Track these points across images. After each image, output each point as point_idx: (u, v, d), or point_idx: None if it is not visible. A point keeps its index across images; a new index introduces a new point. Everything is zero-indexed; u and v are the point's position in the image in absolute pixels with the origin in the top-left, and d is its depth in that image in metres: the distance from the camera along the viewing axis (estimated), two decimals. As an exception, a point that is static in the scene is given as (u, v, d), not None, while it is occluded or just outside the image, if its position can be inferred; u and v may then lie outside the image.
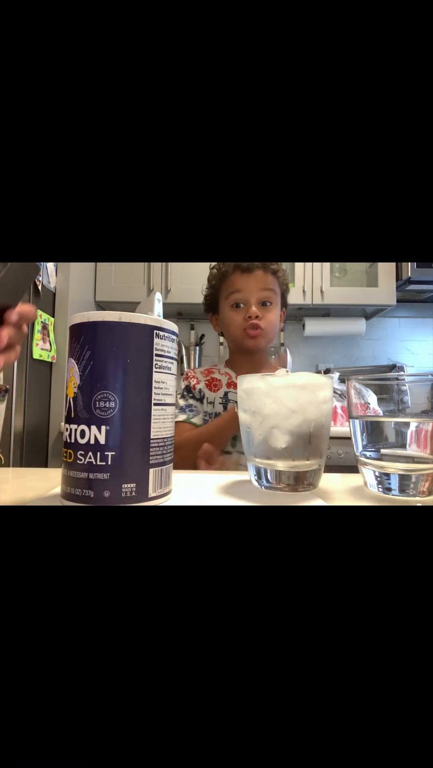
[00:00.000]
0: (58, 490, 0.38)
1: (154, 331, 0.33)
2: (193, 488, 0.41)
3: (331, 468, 0.45)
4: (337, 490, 0.41)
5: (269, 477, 0.40)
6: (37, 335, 1.36)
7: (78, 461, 0.31)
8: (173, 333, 0.36)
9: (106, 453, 0.31)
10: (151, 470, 0.33)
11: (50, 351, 1.47)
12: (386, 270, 1.88)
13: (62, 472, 0.33)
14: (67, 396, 0.33)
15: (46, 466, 1.50)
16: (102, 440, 0.31)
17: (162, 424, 0.34)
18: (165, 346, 0.34)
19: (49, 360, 1.47)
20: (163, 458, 0.34)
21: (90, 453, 0.31)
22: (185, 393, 0.89)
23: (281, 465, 0.39)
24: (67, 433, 0.33)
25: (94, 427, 0.31)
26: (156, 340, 0.33)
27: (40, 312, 1.38)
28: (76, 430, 0.32)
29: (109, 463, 0.31)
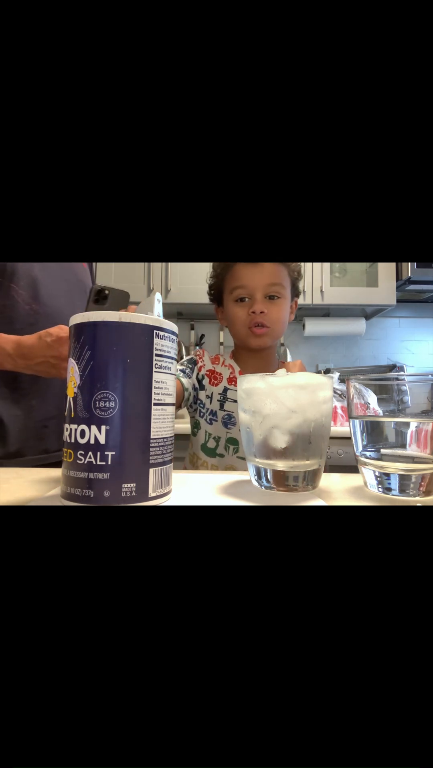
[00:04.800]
0: (58, 490, 0.38)
1: (154, 331, 0.33)
2: (193, 488, 0.41)
3: (331, 468, 0.45)
4: (337, 490, 0.41)
5: (268, 477, 0.40)
6: (37, 335, 1.36)
7: (78, 461, 0.31)
8: (173, 333, 0.36)
9: (106, 453, 0.31)
10: (151, 470, 0.33)
11: (50, 351, 1.46)
12: (386, 270, 1.88)
13: (62, 472, 0.33)
14: (67, 396, 0.33)
15: (46, 466, 1.50)
16: (102, 440, 0.31)
17: (162, 423, 0.34)
18: (165, 346, 0.34)
19: (49, 360, 1.46)
20: (164, 458, 0.34)
21: (90, 453, 0.31)
22: (187, 362, 0.82)
23: (281, 465, 0.39)
24: (67, 433, 0.33)
25: (94, 427, 0.31)
26: (156, 340, 0.33)
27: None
28: (76, 430, 0.32)
29: (109, 462, 0.31)
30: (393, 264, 1.89)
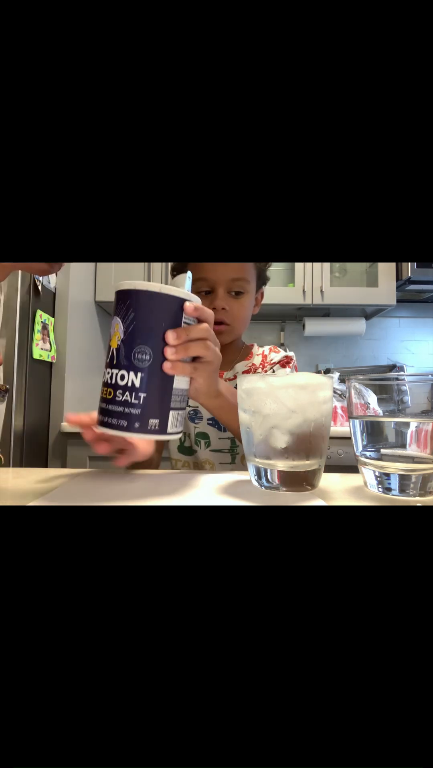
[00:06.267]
0: (57, 490, 0.39)
1: (184, 303, 0.40)
2: (193, 488, 0.41)
3: (331, 468, 0.45)
4: (337, 490, 0.41)
5: (268, 477, 0.40)
6: (37, 335, 1.36)
7: (117, 398, 0.39)
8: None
9: (139, 394, 0.38)
10: (171, 412, 0.40)
11: (50, 351, 1.47)
12: (386, 270, 1.87)
13: (100, 405, 0.41)
14: (110, 346, 0.40)
15: (46, 466, 1.50)
16: (137, 384, 0.38)
17: (182, 378, 0.41)
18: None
19: (49, 360, 1.47)
20: (181, 404, 0.42)
21: (127, 393, 0.39)
22: None
23: (281, 465, 0.39)
24: (108, 376, 0.40)
25: (132, 373, 0.38)
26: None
27: (40, 312, 1.38)
28: (117, 374, 0.39)
29: (141, 402, 0.39)
30: (393, 264, 1.88)
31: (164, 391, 0.40)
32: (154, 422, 0.39)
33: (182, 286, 0.45)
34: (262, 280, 0.80)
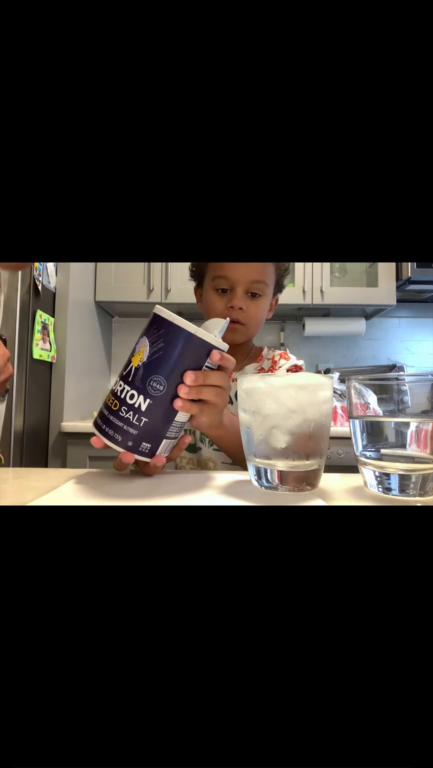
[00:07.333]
0: (57, 490, 0.39)
1: (213, 350, 0.42)
2: (193, 488, 0.41)
3: (331, 468, 0.45)
4: (337, 490, 0.41)
5: (269, 477, 0.40)
6: (37, 335, 1.36)
7: (120, 413, 0.41)
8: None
9: (142, 418, 0.40)
10: (164, 440, 0.42)
11: (50, 351, 1.47)
12: (386, 270, 1.87)
13: (102, 410, 0.43)
14: (131, 362, 0.42)
15: (46, 466, 1.50)
16: (143, 408, 0.40)
17: (185, 413, 0.43)
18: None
19: (49, 360, 1.47)
20: (176, 434, 0.44)
21: (131, 412, 0.40)
22: None
23: (281, 465, 0.39)
24: (119, 388, 0.42)
25: (142, 397, 0.40)
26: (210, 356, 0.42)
27: (40, 312, 1.38)
28: (128, 391, 0.41)
29: (141, 425, 0.40)
30: (393, 264, 1.88)
31: (165, 421, 0.41)
32: (146, 446, 0.41)
33: (216, 330, 0.47)
34: (279, 286, 0.81)
